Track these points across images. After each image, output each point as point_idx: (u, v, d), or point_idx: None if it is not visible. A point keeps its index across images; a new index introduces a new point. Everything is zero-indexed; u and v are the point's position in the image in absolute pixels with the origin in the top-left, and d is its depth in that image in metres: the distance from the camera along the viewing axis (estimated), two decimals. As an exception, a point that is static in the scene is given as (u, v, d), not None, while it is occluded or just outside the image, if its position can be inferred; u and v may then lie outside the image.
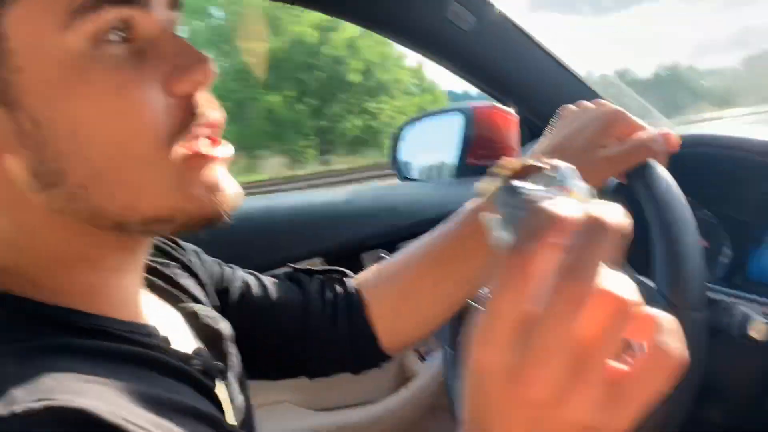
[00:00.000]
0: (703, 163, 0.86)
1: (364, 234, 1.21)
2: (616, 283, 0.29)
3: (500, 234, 0.34)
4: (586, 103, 0.67)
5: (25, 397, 0.34)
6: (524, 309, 0.28)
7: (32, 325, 0.41)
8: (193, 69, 0.43)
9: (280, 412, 1.24)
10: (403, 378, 1.32)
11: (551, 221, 0.29)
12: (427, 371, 1.27)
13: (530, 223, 0.29)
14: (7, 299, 0.42)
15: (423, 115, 1.59)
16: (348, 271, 0.76)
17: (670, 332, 0.29)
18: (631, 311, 0.29)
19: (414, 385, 1.28)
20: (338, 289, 0.73)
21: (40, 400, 0.34)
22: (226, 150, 0.47)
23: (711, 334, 0.66)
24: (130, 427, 0.35)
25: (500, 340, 0.29)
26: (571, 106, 0.68)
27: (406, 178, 1.61)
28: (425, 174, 1.61)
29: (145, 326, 0.48)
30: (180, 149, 0.43)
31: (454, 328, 0.87)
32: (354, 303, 0.71)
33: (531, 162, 0.36)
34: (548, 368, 0.28)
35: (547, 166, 0.36)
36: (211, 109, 0.46)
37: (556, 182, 0.34)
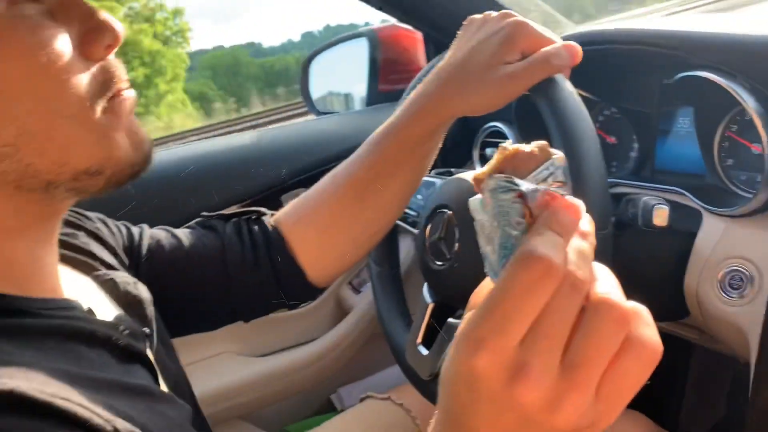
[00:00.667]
0: (602, 60, 0.86)
1: (280, 174, 1.18)
2: (607, 286, 0.31)
3: (484, 220, 0.33)
4: (491, 13, 0.64)
5: None
6: (523, 321, 0.29)
7: None
8: (102, 32, 0.45)
9: (220, 363, 1.23)
10: (341, 312, 1.32)
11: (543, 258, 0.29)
12: (362, 302, 1.28)
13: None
14: None
15: (327, 44, 1.54)
16: (264, 210, 0.75)
17: (646, 324, 0.30)
18: (621, 313, 0.29)
19: (351, 318, 1.29)
20: (255, 228, 0.72)
21: None
22: (132, 92, 0.48)
23: (620, 228, 0.68)
24: (62, 404, 0.35)
25: (500, 346, 0.29)
26: (477, 16, 0.65)
27: (320, 113, 1.57)
28: (337, 105, 1.57)
29: (66, 300, 0.47)
30: (103, 105, 0.45)
31: (380, 245, 0.87)
32: (274, 240, 0.70)
33: (525, 150, 0.34)
34: (546, 374, 0.29)
35: (541, 153, 0.34)
36: (122, 69, 0.48)
37: (546, 173, 0.33)
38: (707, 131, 0.77)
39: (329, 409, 1.33)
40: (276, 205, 1.19)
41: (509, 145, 0.33)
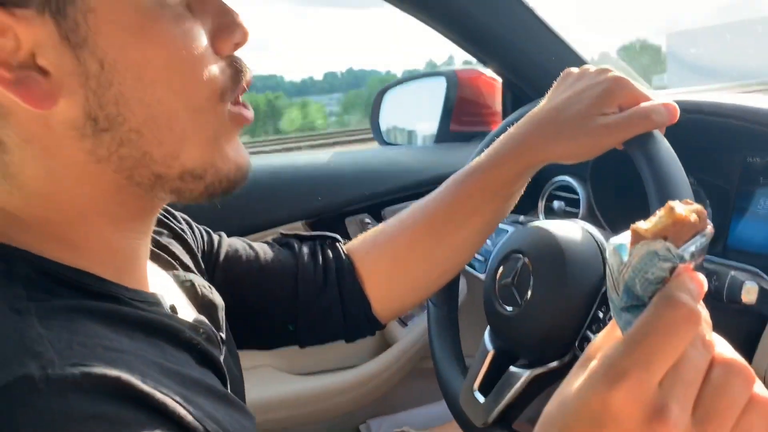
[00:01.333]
0: (686, 129, 0.86)
1: (346, 198, 1.20)
2: (730, 350, 0.33)
3: (615, 265, 0.34)
4: (589, 67, 0.65)
5: (59, 361, 0.33)
6: (667, 359, 0.30)
7: (50, 284, 0.40)
8: (234, 29, 0.46)
9: (260, 376, 1.24)
10: (384, 343, 1.32)
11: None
12: (407, 336, 1.28)
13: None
14: (26, 257, 0.41)
15: (405, 78, 1.57)
16: (339, 237, 0.75)
17: (761, 385, 0.32)
18: (748, 373, 0.32)
19: (394, 350, 1.28)
20: (330, 254, 0.72)
21: (75, 365, 0.33)
22: (250, 113, 0.50)
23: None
24: (161, 397, 0.35)
25: (642, 380, 0.30)
26: (574, 69, 0.66)
27: (386, 143, 1.59)
28: (406, 138, 1.60)
29: (153, 295, 0.48)
30: (228, 105, 0.47)
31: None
32: (346, 269, 0.71)
33: (691, 219, 0.33)
34: (682, 420, 0.29)
35: (700, 223, 0.34)
36: (245, 63, 0.49)
37: (699, 247, 0.34)
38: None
39: (356, 439, 1.32)
40: (339, 227, 1.22)
41: (679, 208, 0.33)
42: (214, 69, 0.45)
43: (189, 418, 0.37)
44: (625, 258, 0.33)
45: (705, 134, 0.88)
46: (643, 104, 0.59)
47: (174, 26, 0.42)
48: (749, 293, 0.61)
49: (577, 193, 1.07)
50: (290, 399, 1.25)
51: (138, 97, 0.42)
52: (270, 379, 1.25)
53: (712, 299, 0.66)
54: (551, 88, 0.67)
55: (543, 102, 0.66)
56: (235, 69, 0.47)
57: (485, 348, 0.74)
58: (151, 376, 0.37)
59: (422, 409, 1.32)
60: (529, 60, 1.11)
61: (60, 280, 0.41)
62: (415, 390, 1.29)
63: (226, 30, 0.46)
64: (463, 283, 1.25)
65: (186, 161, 0.45)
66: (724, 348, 0.32)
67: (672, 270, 0.32)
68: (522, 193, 0.70)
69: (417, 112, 1.58)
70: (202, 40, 0.44)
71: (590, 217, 1.01)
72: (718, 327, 0.70)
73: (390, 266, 0.70)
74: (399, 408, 1.35)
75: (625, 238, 0.34)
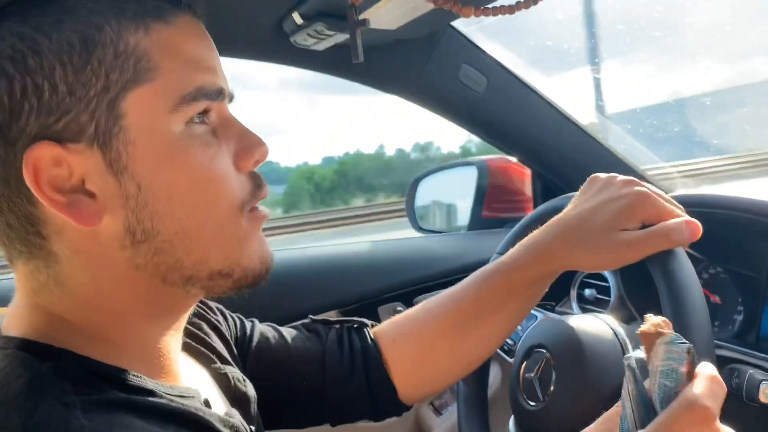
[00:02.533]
0: (712, 222, 0.87)
1: (381, 287, 1.23)
2: None
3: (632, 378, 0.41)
4: (616, 176, 0.66)
5: None
6: None
7: (94, 380, 0.44)
8: (254, 150, 0.53)
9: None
10: (419, 431, 1.31)
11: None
12: (442, 425, 1.27)
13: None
14: (73, 356, 0.45)
15: (438, 167, 1.62)
16: (366, 321, 0.78)
17: None
18: None
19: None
20: (356, 339, 0.75)
21: None
22: (266, 210, 0.55)
23: None
24: None
25: None
26: (602, 175, 0.67)
27: (421, 229, 1.63)
28: (440, 225, 1.63)
29: (188, 389, 0.51)
30: (247, 213, 0.52)
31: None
32: (371, 354, 0.73)
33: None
34: None
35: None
36: (262, 179, 0.55)
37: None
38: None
39: None
40: (372, 315, 1.24)
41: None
42: (236, 186, 0.51)
43: None
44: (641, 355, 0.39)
45: (730, 225, 0.89)
46: (665, 223, 0.60)
47: (201, 152, 0.49)
48: (765, 394, 0.61)
49: (607, 281, 1.08)
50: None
51: (170, 213, 0.48)
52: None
53: (733, 397, 0.66)
54: (578, 193, 0.69)
55: (569, 207, 0.68)
56: (255, 184, 0.53)
57: None
58: None
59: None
60: (554, 152, 1.15)
61: (103, 376, 0.45)
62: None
63: (248, 150, 0.52)
64: (497, 367, 1.25)
65: (213, 264, 0.50)
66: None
67: (687, 353, 0.39)
68: (545, 292, 0.71)
69: (451, 200, 1.63)
70: (226, 161, 0.51)
71: (621, 306, 1.01)
72: (743, 424, 0.70)
73: (416, 355, 0.72)
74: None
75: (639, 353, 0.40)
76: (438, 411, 1.29)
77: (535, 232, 0.68)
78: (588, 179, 0.68)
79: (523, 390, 0.73)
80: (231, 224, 0.51)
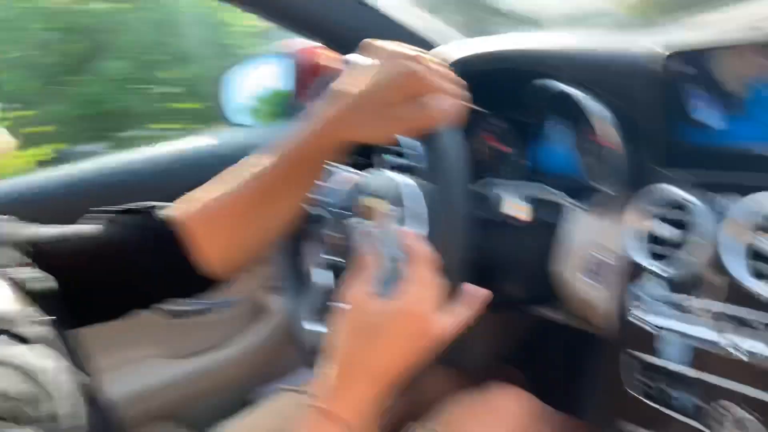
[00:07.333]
0: (492, 75, 0.97)
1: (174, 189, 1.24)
2: None
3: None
4: (385, 45, 0.69)
5: None
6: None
7: None
8: None
9: (147, 365, 1.29)
10: (262, 314, 1.39)
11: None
12: (278, 304, 1.35)
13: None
14: None
15: (247, 59, 1.60)
16: (166, 203, 0.77)
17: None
18: None
19: (272, 320, 1.37)
20: (157, 220, 0.74)
21: None
22: None
23: (483, 226, 0.79)
24: None
25: None
26: (372, 43, 0.70)
27: (235, 124, 1.61)
28: (253, 118, 1.63)
29: None
30: None
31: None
32: (172, 235, 0.73)
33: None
34: None
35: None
36: None
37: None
38: (578, 137, 0.91)
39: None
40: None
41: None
42: None
43: None
44: None
45: (507, 78, 0.98)
46: (431, 101, 0.66)
47: None
48: (511, 208, 0.73)
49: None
50: (179, 381, 1.31)
51: None
52: (155, 366, 1.30)
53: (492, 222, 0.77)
54: (352, 63, 0.72)
55: (347, 96, 0.69)
56: None
57: None
58: None
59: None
60: (345, 33, 1.19)
61: None
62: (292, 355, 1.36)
63: None
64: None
65: None
66: None
67: None
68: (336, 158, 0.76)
69: (263, 90, 1.62)
70: None
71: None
72: (511, 244, 0.85)
73: (226, 234, 0.75)
74: (287, 372, 1.42)
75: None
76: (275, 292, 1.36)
77: (321, 105, 0.71)
78: (360, 46, 0.71)
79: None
80: None
